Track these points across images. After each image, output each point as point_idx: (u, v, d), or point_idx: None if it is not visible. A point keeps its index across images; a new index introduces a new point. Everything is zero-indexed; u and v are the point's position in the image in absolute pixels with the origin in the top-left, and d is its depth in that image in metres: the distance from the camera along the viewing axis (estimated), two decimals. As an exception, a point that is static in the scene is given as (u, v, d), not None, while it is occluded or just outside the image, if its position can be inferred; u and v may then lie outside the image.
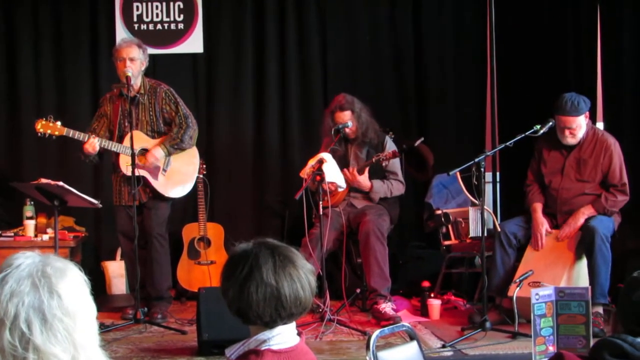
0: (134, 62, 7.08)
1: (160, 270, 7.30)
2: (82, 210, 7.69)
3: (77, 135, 7.02)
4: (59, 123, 7.05)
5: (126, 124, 7.16)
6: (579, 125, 6.74)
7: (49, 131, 7.00)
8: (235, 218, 8.58)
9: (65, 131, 6.98)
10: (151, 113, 7.20)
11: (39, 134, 7.05)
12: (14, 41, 8.75)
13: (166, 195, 7.23)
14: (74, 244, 7.84)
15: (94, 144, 6.98)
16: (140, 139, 7.11)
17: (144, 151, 7.12)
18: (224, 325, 5.47)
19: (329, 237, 6.92)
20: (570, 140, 6.79)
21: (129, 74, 6.99)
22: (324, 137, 7.48)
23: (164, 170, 7.18)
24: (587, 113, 6.78)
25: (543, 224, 6.83)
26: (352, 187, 7.33)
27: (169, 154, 7.16)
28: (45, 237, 7.82)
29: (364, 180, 7.25)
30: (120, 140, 7.18)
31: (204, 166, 7.82)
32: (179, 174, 7.24)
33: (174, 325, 6.74)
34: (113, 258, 8.41)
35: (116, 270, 8.29)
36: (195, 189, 7.54)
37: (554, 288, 3.89)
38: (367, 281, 7.08)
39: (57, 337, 1.99)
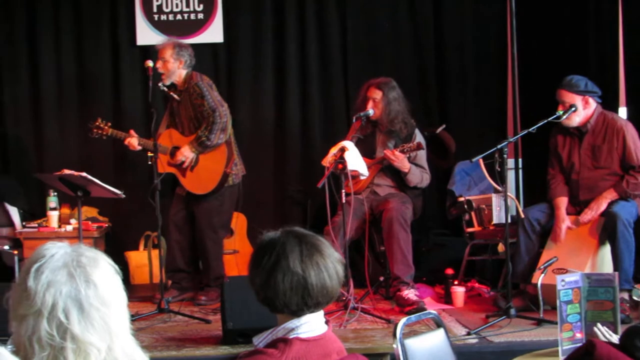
0: (166, 62, 7.31)
1: (208, 260, 7.47)
2: (105, 201, 7.71)
3: (118, 135, 7.41)
4: (109, 124, 7.50)
5: (168, 121, 7.52)
6: (571, 104, 6.63)
7: (101, 132, 7.46)
8: (257, 207, 8.59)
9: (110, 132, 7.27)
10: (189, 109, 7.30)
11: (95, 136, 7.46)
12: (35, 31, 8.80)
13: (193, 192, 7.34)
14: (97, 234, 7.89)
15: (132, 143, 7.34)
16: (174, 137, 7.38)
17: (176, 149, 7.23)
18: (248, 314, 5.46)
19: (352, 225, 6.90)
20: (566, 121, 6.70)
21: (161, 72, 7.30)
22: (353, 112, 7.45)
23: (192, 168, 7.25)
24: (588, 99, 6.68)
25: (564, 221, 6.77)
26: (380, 172, 7.31)
27: (198, 153, 7.24)
28: (69, 227, 7.87)
29: (404, 160, 7.21)
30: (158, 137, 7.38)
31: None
32: (205, 171, 7.29)
33: (198, 314, 6.75)
34: (136, 248, 8.44)
35: (139, 260, 8.32)
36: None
37: (581, 274, 3.87)
38: (390, 268, 7.07)
39: (94, 325, 2.01)
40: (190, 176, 7.31)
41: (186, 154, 7.24)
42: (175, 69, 7.33)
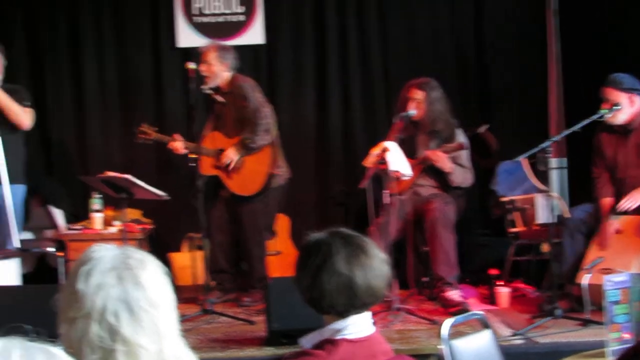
0: (210, 65, 7.35)
1: (252, 262, 7.51)
2: (148, 203, 7.74)
3: (163, 139, 7.47)
4: (155, 129, 7.54)
5: (213, 123, 7.56)
6: (616, 102, 6.57)
7: (147, 137, 7.52)
8: (299, 209, 8.59)
9: (154, 136, 7.32)
10: (233, 112, 7.34)
11: (141, 141, 7.53)
12: (77, 36, 8.88)
13: (238, 194, 7.35)
14: (141, 236, 7.93)
15: (177, 146, 7.36)
16: (219, 140, 7.41)
17: (221, 152, 7.26)
18: (293, 315, 5.45)
19: (395, 226, 6.88)
20: (610, 119, 6.63)
21: (205, 75, 7.33)
22: (395, 112, 7.43)
23: (237, 169, 7.28)
24: (633, 96, 6.59)
25: (611, 225, 6.70)
26: (422, 172, 7.29)
27: (243, 155, 7.25)
28: (113, 229, 7.92)
29: (446, 160, 7.18)
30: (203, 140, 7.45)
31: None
32: (250, 172, 7.31)
33: (242, 316, 6.76)
34: (179, 250, 8.48)
35: (182, 262, 8.35)
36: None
37: (629, 274, 3.82)
38: (433, 269, 7.03)
39: (144, 328, 2.01)
40: (235, 178, 7.33)
41: (231, 156, 7.26)
42: (220, 72, 7.35)
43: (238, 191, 7.36)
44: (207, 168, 7.32)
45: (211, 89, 7.32)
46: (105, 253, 2.11)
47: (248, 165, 7.31)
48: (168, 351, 2.05)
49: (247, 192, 7.35)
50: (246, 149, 7.24)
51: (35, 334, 1.50)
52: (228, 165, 7.28)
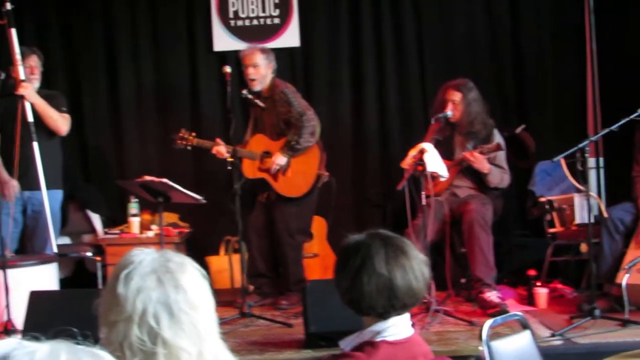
0: (258, 68, 7.33)
1: (288, 265, 7.50)
2: (186, 207, 7.76)
3: (204, 144, 7.49)
4: (193, 134, 7.55)
5: (252, 127, 7.58)
6: None
7: (186, 143, 7.55)
8: (336, 210, 8.58)
9: (195, 142, 7.34)
10: (273, 116, 7.34)
11: (179, 147, 7.58)
12: (112, 42, 8.92)
13: (286, 195, 7.36)
14: (178, 240, 7.96)
15: (220, 151, 7.38)
16: (262, 143, 7.42)
17: (267, 154, 7.27)
18: (330, 318, 5.45)
19: (432, 228, 6.85)
20: None
21: (253, 78, 7.33)
22: (432, 114, 7.40)
23: (284, 171, 7.28)
24: None
25: None
26: (459, 173, 7.26)
27: (290, 157, 7.26)
28: (150, 233, 7.96)
29: (484, 161, 7.15)
30: (246, 144, 7.48)
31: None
32: (298, 174, 7.32)
33: (280, 319, 6.76)
34: (216, 253, 8.49)
35: (220, 265, 8.36)
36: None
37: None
38: (471, 270, 7.01)
39: (185, 330, 2.01)
40: (282, 180, 7.32)
41: (278, 161, 7.27)
42: (267, 74, 7.37)
43: (286, 193, 7.35)
44: (252, 171, 7.35)
45: (252, 92, 7.31)
46: (145, 257, 2.12)
47: (295, 167, 7.31)
48: (208, 353, 2.06)
49: (295, 193, 7.36)
50: (292, 150, 7.25)
51: (82, 337, 1.50)
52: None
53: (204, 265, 8.22)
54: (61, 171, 7.40)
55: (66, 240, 8.30)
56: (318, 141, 7.39)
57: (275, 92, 7.33)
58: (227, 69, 6.93)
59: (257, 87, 7.35)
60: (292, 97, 7.29)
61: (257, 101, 7.30)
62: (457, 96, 7.22)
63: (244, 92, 7.25)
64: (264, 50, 7.45)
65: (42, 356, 1.18)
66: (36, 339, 1.26)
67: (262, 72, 7.33)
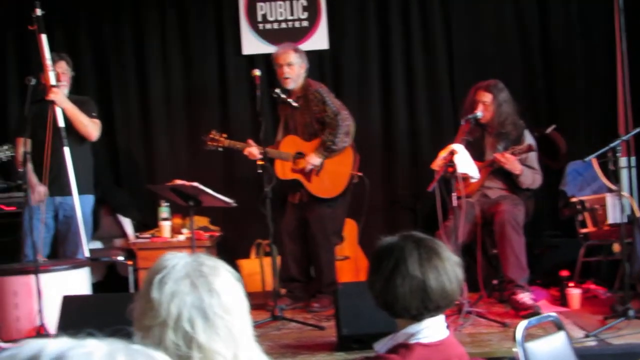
0: (292, 67, 7.34)
1: (321, 267, 7.47)
2: (216, 210, 7.77)
3: (236, 146, 7.46)
4: (224, 135, 7.54)
5: (286, 128, 7.57)
6: None
7: (217, 144, 7.54)
8: (366, 213, 8.56)
9: (227, 143, 7.33)
10: (306, 116, 7.32)
11: (210, 148, 7.57)
12: (142, 46, 8.96)
13: (320, 196, 7.35)
14: (209, 244, 7.97)
15: (252, 152, 7.33)
16: (294, 144, 7.40)
17: (300, 155, 7.26)
18: (363, 320, 5.44)
19: (464, 229, 6.81)
20: None
21: (288, 77, 7.33)
22: (462, 115, 7.36)
23: (317, 172, 7.28)
24: None
25: None
26: (490, 174, 7.23)
27: (325, 158, 7.26)
28: (181, 237, 7.98)
29: (516, 162, 7.10)
30: (277, 145, 7.45)
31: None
32: (332, 174, 7.31)
33: (312, 321, 6.75)
34: (247, 256, 8.50)
35: (251, 268, 8.36)
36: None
37: None
38: (504, 272, 6.97)
39: (219, 334, 2.01)
40: (316, 180, 7.31)
41: (313, 162, 7.27)
42: (301, 74, 7.38)
43: (320, 194, 7.33)
44: (285, 172, 7.35)
45: (285, 92, 7.29)
46: (178, 261, 2.12)
47: (329, 168, 7.30)
48: (243, 356, 2.05)
49: (329, 194, 7.35)
50: (328, 151, 7.24)
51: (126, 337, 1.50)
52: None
53: (235, 268, 8.18)
54: (92, 176, 7.43)
55: (98, 244, 8.33)
56: (351, 142, 7.36)
57: (309, 92, 7.32)
58: (257, 72, 6.94)
59: (291, 85, 7.34)
60: (326, 96, 7.28)
61: (290, 100, 7.29)
62: (487, 97, 7.19)
63: (277, 90, 7.22)
64: (297, 50, 7.46)
65: (99, 357, 1.17)
66: (92, 336, 1.24)
67: (296, 70, 7.34)
